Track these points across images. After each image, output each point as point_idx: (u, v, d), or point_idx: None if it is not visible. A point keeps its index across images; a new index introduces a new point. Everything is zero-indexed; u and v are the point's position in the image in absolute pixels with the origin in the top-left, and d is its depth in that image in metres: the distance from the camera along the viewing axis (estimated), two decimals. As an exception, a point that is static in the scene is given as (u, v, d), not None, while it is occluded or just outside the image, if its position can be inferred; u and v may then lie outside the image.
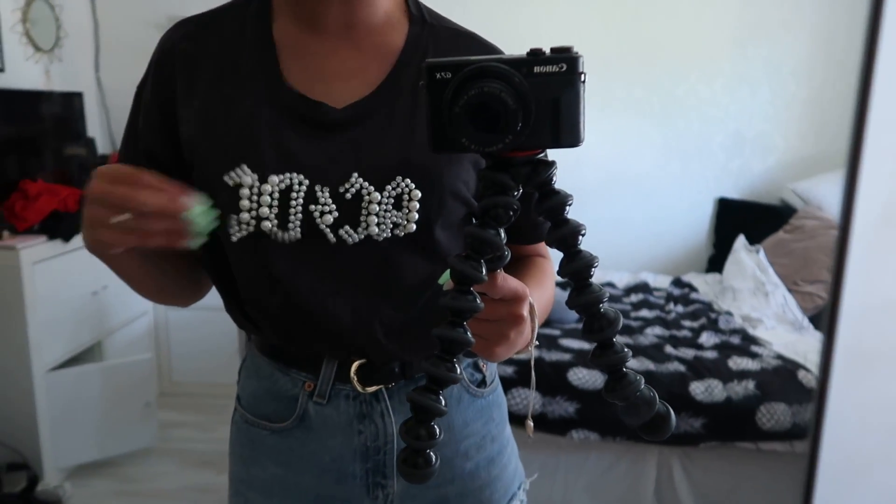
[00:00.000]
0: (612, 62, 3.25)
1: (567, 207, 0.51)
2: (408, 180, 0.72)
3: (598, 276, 2.93)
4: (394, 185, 0.72)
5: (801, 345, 2.37)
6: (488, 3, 3.19)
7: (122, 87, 3.40)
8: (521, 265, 0.86)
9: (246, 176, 0.70)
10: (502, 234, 0.53)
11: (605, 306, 0.51)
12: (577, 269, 0.51)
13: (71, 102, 3.05)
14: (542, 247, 0.90)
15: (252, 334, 0.86)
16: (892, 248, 1.02)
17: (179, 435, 2.75)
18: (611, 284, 3.09)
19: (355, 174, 0.71)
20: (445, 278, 0.58)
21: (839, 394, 1.02)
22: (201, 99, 0.74)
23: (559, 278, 0.60)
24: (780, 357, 2.23)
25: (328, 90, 0.74)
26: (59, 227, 2.45)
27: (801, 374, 2.11)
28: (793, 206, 3.14)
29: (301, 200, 0.71)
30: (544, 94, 0.48)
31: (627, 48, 3.26)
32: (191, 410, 2.94)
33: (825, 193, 2.97)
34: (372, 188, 0.71)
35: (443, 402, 0.54)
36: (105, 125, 3.43)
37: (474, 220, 0.53)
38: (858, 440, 1.08)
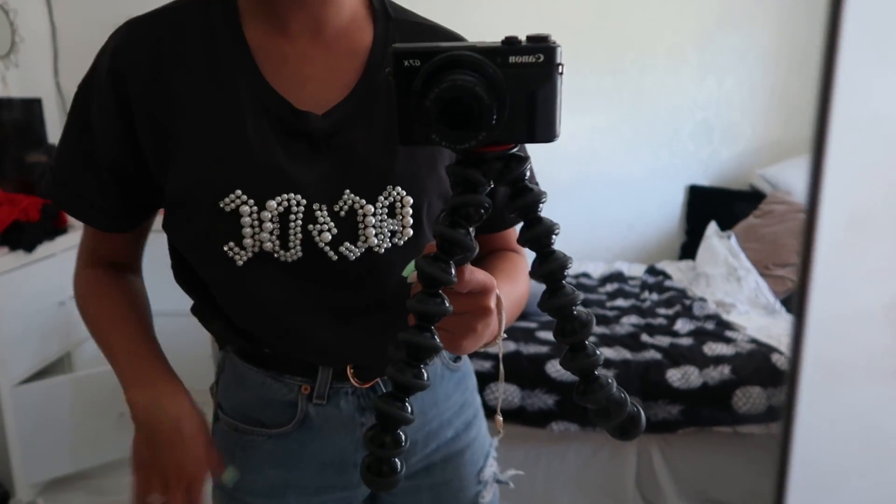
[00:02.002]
0: (580, 54, 3.25)
1: (541, 205, 0.49)
2: (398, 188, 0.72)
3: (572, 268, 2.93)
4: (385, 195, 0.72)
5: (775, 328, 2.40)
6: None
7: (83, 91, 3.33)
8: (491, 259, 0.85)
9: (244, 205, 0.69)
10: (472, 233, 0.51)
11: (577, 309, 0.50)
12: (550, 270, 0.49)
13: (30, 109, 2.98)
14: (514, 241, 0.90)
15: (235, 345, 0.84)
16: (860, 254, 1.02)
17: (155, 444, 2.70)
18: (586, 275, 3.10)
19: (347, 190, 0.71)
20: (410, 270, 0.56)
21: (809, 407, 1.03)
22: (178, 111, 0.71)
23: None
24: (754, 341, 2.25)
25: (305, 94, 0.72)
26: (21, 237, 2.38)
27: (775, 357, 2.14)
28: (762, 191, 3.17)
29: (300, 222, 0.71)
30: (520, 87, 0.45)
31: (595, 40, 3.27)
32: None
33: (793, 178, 3.01)
34: (364, 201, 0.72)
35: (409, 410, 0.52)
36: (67, 131, 3.35)
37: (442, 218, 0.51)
38: (830, 454, 1.09)
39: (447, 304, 0.51)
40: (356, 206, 0.72)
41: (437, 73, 0.45)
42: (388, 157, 0.72)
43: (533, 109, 0.46)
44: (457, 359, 0.90)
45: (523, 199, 0.49)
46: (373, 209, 0.72)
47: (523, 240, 0.50)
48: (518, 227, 0.85)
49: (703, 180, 3.40)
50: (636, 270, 3.17)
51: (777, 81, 3.31)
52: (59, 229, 2.61)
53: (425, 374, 0.52)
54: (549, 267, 0.49)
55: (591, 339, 0.51)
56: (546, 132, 0.47)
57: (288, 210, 0.70)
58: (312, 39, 0.73)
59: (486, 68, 0.45)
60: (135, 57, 0.72)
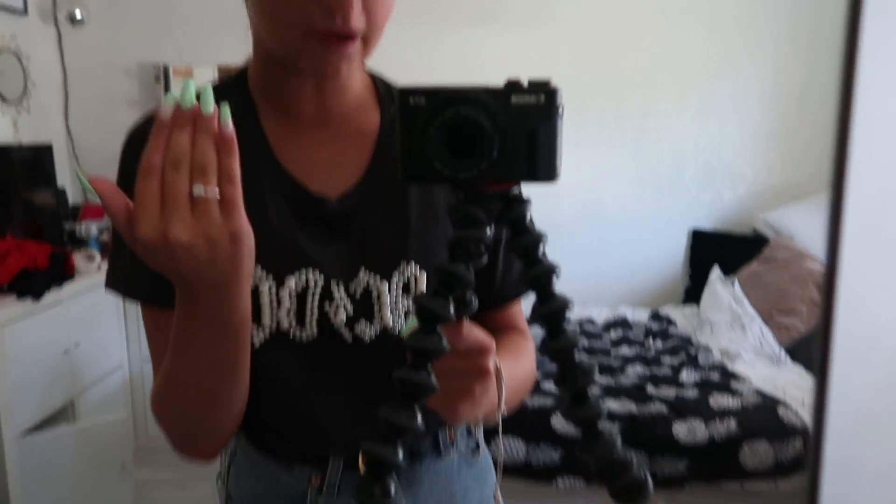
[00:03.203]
0: (583, 96, 3.29)
1: (541, 247, 0.50)
2: (412, 264, 0.74)
3: (576, 312, 2.93)
4: (399, 272, 0.74)
5: (780, 378, 2.39)
6: (460, 38, 3.22)
7: (92, 134, 3.38)
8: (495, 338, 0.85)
9: (264, 283, 0.71)
10: (472, 272, 0.50)
11: (578, 356, 0.49)
12: (549, 311, 0.49)
13: (40, 154, 3.01)
14: (521, 321, 0.90)
15: (245, 431, 0.84)
16: (884, 289, 1.00)
17: (158, 495, 2.68)
18: (590, 321, 3.10)
19: (362, 268, 0.73)
20: (411, 324, 0.54)
21: (834, 465, 1.00)
22: None
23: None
24: (759, 393, 2.25)
25: (320, 179, 0.75)
26: (29, 285, 2.40)
27: (781, 410, 2.13)
28: (765, 235, 3.19)
29: (317, 300, 0.72)
30: (521, 126, 0.47)
31: (598, 82, 3.31)
32: (168, 468, 2.87)
33: (796, 223, 3.02)
34: (378, 278, 0.73)
35: (400, 456, 0.49)
36: (75, 174, 3.38)
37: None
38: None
39: (445, 343, 0.50)
40: (371, 283, 0.73)
41: (442, 107, 0.47)
42: (401, 235, 0.75)
43: (534, 148, 0.48)
44: (476, 450, 0.88)
45: (524, 240, 0.50)
46: (388, 286, 0.73)
47: (524, 281, 0.50)
48: (523, 303, 0.86)
49: (706, 224, 3.41)
50: (640, 315, 3.17)
51: (778, 125, 3.34)
52: (67, 275, 2.62)
53: (419, 417, 0.49)
54: (549, 308, 0.49)
55: (595, 390, 0.51)
56: (547, 171, 0.48)
57: (306, 288, 0.72)
58: (322, 127, 0.77)
59: (489, 105, 0.47)
60: None
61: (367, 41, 0.69)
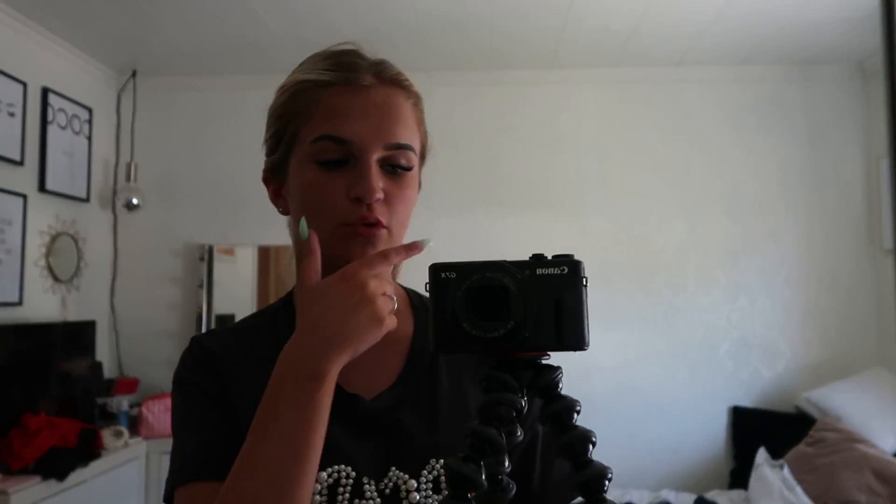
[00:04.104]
0: (611, 274, 3.36)
1: (575, 413, 0.49)
2: (441, 461, 0.74)
3: (615, 495, 2.77)
4: (429, 469, 0.74)
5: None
6: (488, 218, 3.37)
7: (133, 310, 3.51)
8: None
9: None
10: (503, 437, 0.49)
11: None
12: (587, 479, 0.47)
13: (83, 330, 3.11)
14: None
15: None
16: None
17: None
18: (631, 505, 2.91)
19: (393, 467, 0.73)
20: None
21: None
22: (245, 400, 0.74)
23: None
24: None
25: (354, 379, 0.77)
26: (56, 465, 2.37)
27: None
28: (809, 414, 3.06)
29: (348, 496, 0.72)
30: (547, 294, 0.49)
31: (625, 261, 3.39)
32: None
33: (841, 403, 2.92)
34: (407, 476, 0.73)
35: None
36: (114, 349, 3.47)
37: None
38: None
39: None
40: (400, 482, 0.73)
41: (470, 274, 0.49)
42: (430, 433, 0.75)
43: (560, 317, 0.49)
44: None
45: (556, 405, 0.49)
46: (416, 484, 0.73)
47: (560, 450, 0.49)
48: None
49: (746, 401, 3.30)
50: (684, 500, 2.98)
51: (808, 302, 3.33)
52: (94, 454, 2.60)
53: None
54: (587, 475, 0.47)
55: None
56: (575, 340, 0.49)
57: (337, 482, 0.71)
58: None
59: (515, 273, 0.49)
60: (212, 357, 0.79)
61: (392, 233, 0.74)
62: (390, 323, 0.66)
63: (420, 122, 0.80)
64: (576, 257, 0.50)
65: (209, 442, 0.74)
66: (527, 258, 0.51)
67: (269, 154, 0.81)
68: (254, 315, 0.86)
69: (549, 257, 0.51)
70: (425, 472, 0.74)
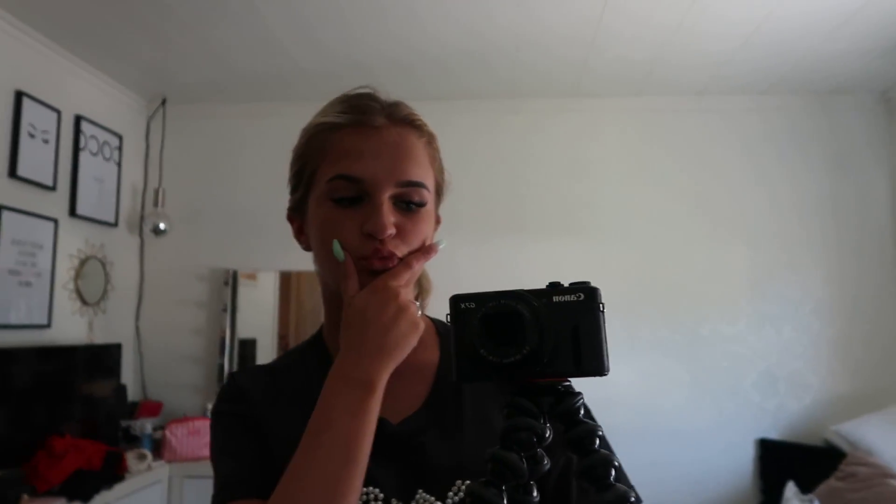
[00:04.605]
0: (633, 305, 3.34)
1: (596, 438, 0.49)
2: (467, 482, 0.75)
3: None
4: (454, 491, 0.74)
5: None
6: (511, 246, 3.38)
7: (157, 333, 3.54)
8: None
9: None
10: (524, 462, 0.49)
11: None
12: (610, 501, 0.47)
13: (109, 353, 3.14)
14: None
15: None
16: None
17: None
18: (656, 539, 2.86)
19: (420, 490, 0.74)
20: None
21: None
22: (279, 433, 0.77)
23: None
24: None
25: (382, 408, 0.76)
26: (81, 487, 2.38)
27: None
28: (838, 447, 3.00)
29: None
30: (564, 321, 0.50)
31: (647, 290, 3.37)
32: None
33: (872, 437, 2.85)
34: (434, 498, 0.74)
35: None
36: (139, 371, 3.50)
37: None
38: None
39: None
40: (426, 503, 0.74)
41: (487, 302, 0.51)
42: (455, 456, 0.76)
43: (577, 342, 0.50)
44: None
45: (577, 430, 0.49)
46: None
47: (580, 473, 0.49)
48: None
49: (773, 433, 3.24)
50: (711, 534, 2.92)
51: (835, 332, 3.28)
52: (118, 476, 2.61)
53: None
54: (608, 498, 0.47)
55: None
56: (593, 364, 0.50)
57: None
58: None
59: (531, 301, 0.50)
60: (247, 393, 0.82)
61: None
62: (422, 326, 0.72)
63: (433, 159, 0.82)
64: (592, 283, 0.51)
65: (247, 464, 0.77)
66: (544, 286, 0.52)
67: (292, 193, 0.84)
68: (285, 355, 0.90)
69: (567, 285, 0.52)
70: (451, 493, 0.74)
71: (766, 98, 3.42)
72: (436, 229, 0.88)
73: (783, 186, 3.38)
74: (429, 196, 0.79)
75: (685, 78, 3.24)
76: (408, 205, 0.76)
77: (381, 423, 0.76)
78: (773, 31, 2.74)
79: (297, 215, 0.84)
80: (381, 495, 0.74)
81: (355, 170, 0.75)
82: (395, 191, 0.75)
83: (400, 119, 0.79)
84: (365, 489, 0.73)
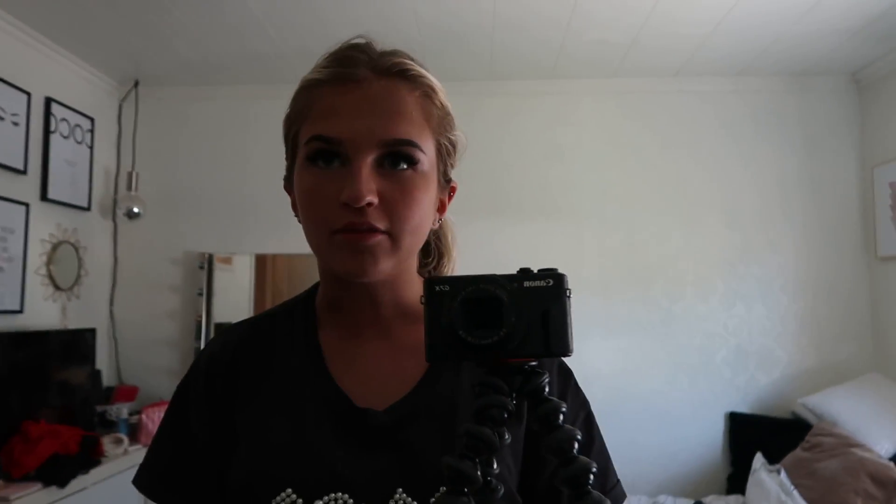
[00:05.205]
0: (610, 283, 3.39)
1: (560, 414, 0.52)
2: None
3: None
4: (438, 494, 0.69)
5: (845, 582, 2.20)
6: (488, 228, 3.40)
7: (132, 318, 3.51)
8: None
9: None
10: (496, 437, 0.52)
11: None
12: (572, 475, 0.50)
13: (83, 338, 3.11)
14: None
15: None
16: None
17: None
18: (630, 512, 2.93)
19: (399, 489, 0.69)
20: None
21: None
22: (248, 407, 0.75)
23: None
24: None
25: (370, 391, 0.74)
26: (57, 472, 2.37)
27: None
28: (805, 419, 3.09)
29: None
30: (534, 305, 0.53)
31: (624, 270, 3.42)
32: None
33: (837, 408, 2.94)
34: (412, 499, 0.69)
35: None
36: (113, 356, 3.47)
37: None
38: None
39: None
40: None
41: (465, 286, 0.53)
42: (443, 454, 0.73)
43: (547, 326, 0.53)
44: None
45: (543, 407, 0.53)
46: None
47: (546, 447, 0.51)
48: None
49: (743, 407, 3.33)
50: (683, 506, 3.00)
51: (804, 309, 3.37)
52: (95, 461, 2.60)
53: None
54: (572, 471, 0.50)
55: None
56: (560, 345, 0.53)
57: None
58: (382, 339, 0.78)
59: (506, 285, 0.53)
60: (223, 357, 0.79)
61: (395, 238, 0.69)
62: None
63: (429, 115, 0.73)
64: (559, 270, 0.54)
65: (176, 460, 0.77)
66: (515, 272, 0.55)
67: (287, 161, 0.77)
68: (273, 311, 0.84)
69: (536, 271, 0.54)
70: (433, 499, 0.68)
71: (741, 79, 3.46)
72: (450, 197, 0.81)
73: (756, 167, 3.44)
74: (422, 156, 0.70)
75: (661, 60, 3.27)
76: (395, 167, 0.69)
77: (363, 413, 0.72)
78: (744, 15, 2.78)
79: (289, 185, 0.77)
80: (350, 500, 0.68)
81: (331, 129, 0.68)
82: (379, 152, 0.68)
83: (385, 70, 0.71)
84: (333, 495, 0.68)
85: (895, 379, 3.08)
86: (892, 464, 2.63)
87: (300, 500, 0.68)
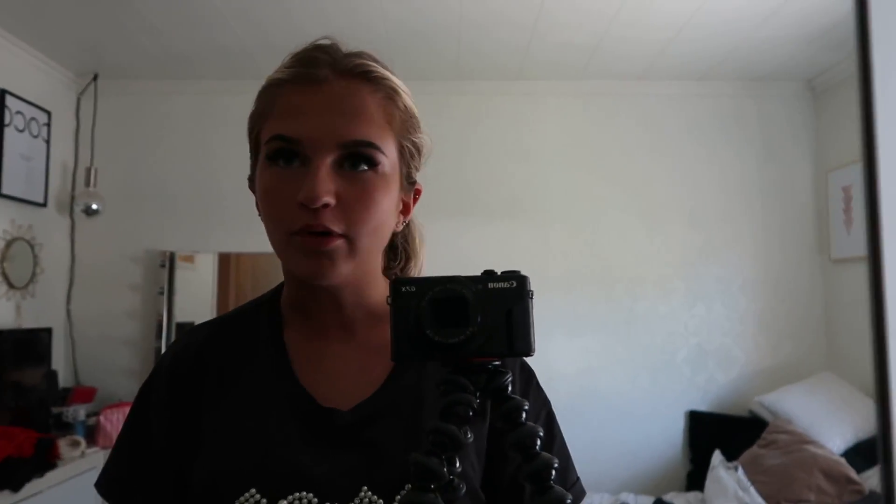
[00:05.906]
0: (574, 283, 3.43)
1: (523, 412, 0.53)
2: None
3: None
4: (404, 492, 0.69)
5: (798, 575, 2.26)
6: (454, 228, 3.40)
7: (90, 317, 3.43)
8: None
9: None
10: (462, 434, 0.53)
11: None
12: (535, 471, 0.50)
13: (39, 338, 3.03)
14: None
15: None
16: None
17: None
18: (592, 509, 2.97)
19: (364, 487, 0.69)
20: None
21: None
22: (212, 407, 0.74)
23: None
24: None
25: (335, 390, 0.75)
26: (11, 475, 2.30)
27: None
28: (762, 417, 3.17)
29: None
30: (498, 306, 0.54)
31: (588, 270, 3.46)
32: None
33: (792, 406, 3.03)
34: (377, 497, 0.69)
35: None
36: (70, 356, 3.38)
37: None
38: None
39: (441, 502, 0.50)
40: None
41: (432, 286, 0.54)
42: (413, 446, 0.73)
43: (510, 326, 0.55)
44: None
45: (506, 405, 0.54)
46: None
47: (509, 444, 0.52)
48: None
49: (703, 406, 3.40)
50: (644, 503, 3.05)
51: (761, 309, 3.45)
52: (50, 464, 2.53)
53: None
54: (535, 467, 0.51)
55: None
56: (523, 345, 0.55)
57: None
58: (347, 339, 0.78)
59: (470, 286, 0.54)
60: (187, 359, 0.78)
61: (352, 241, 0.69)
62: None
63: (391, 117, 0.73)
64: (522, 272, 0.56)
65: (136, 463, 0.76)
66: (479, 274, 0.56)
67: (251, 159, 0.78)
68: (240, 311, 0.84)
69: (499, 273, 0.56)
70: (399, 497, 0.68)
71: (702, 84, 3.54)
72: (415, 200, 0.81)
73: (718, 169, 3.52)
74: (384, 158, 0.71)
75: (625, 63, 3.32)
76: (355, 168, 0.69)
77: (328, 412, 0.72)
78: (705, 22, 2.83)
79: (252, 184, 0.77)
80: (315, 500, 0.68)
81: (291, 129, 0.68)
82: (339, 153, 0.68)
83: (347, 71, 0.71)
84: (297, 494, 0.68)
85: (847, 378, 3.18)
86: (843, 460, 2.72)
87: (264, 500, 0.68)
